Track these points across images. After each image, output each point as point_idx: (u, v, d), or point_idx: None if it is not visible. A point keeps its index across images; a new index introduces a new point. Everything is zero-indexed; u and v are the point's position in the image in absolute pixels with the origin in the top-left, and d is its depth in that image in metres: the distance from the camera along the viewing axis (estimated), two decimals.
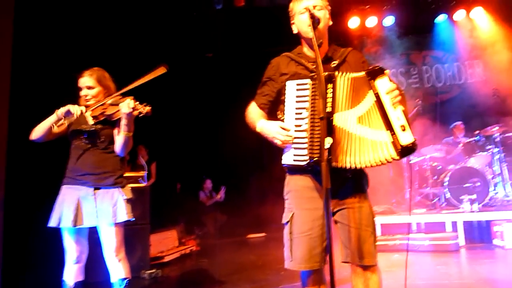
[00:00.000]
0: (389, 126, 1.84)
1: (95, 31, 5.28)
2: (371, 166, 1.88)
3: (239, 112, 2.36)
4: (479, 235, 6.10)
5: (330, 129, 1.84)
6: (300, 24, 2.12)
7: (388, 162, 1.86)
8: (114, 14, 5.70)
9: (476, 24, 8.02)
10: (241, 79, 6.06)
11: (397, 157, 1.83)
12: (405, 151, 1.82)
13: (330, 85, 1.88)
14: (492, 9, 7.74)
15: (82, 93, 2.90)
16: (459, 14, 7.93)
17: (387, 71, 1.89)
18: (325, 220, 1.71)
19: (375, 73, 1.89)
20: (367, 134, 1.88)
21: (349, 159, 1.88)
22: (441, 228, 5.62)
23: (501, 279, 3.85)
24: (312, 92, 1.91)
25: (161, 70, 2.71)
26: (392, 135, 1.83)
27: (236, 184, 7.78)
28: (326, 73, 1.88)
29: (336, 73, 1.92)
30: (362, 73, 1.91)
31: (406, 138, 1.81)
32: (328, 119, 1.82)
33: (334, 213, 2.04)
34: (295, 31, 2.21)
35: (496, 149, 6.36)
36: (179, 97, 7.27)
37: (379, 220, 5.68)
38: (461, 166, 6.27)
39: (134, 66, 3.22)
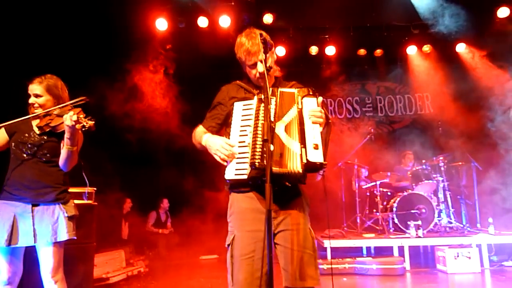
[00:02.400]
0: (302, 139, 1.92)
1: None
2: (285, 172, 1.89)
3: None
4: (424, 259, 6.35)
5: (272, 137, 1.90)
6: (250, 73, 2.23)
7: (294, 172, 1.88)
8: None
9: (426, 60, 8.57)
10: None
11: (300, 170, 1.87)
12: (309, 167, 1.88)
13: (273, 100, 2.04)
14: (440, 48, 8.31)
15: (30, 100, 2.75)
16: (411, 49, 8.45)
17: (319, 98, 2.00)
18: (267, 241, 1.71)
19: (304, 92, 2.04)
20: (286, 141, 1.95)
21: (278, 163, 1.91)
22: (389, 252, 5.79)
23: None
24: (256, 110, 2.00)
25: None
26: (302, 148, 1.90)
27: (191, 203, 7.65)
28: (270, 89, 2.04)
29: (277, 89, 2.07)
30: (294, 90, 2.07)
31: (314, 156, 1.88)
32: (271, 127, 1.89)
33: (274, 235, 2.05)
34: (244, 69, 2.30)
35: (441, 178, 6.71)
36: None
37: (329, 244, 5.77)
38: (408, 193, 6.54)
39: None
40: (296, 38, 8.07)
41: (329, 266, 5.35)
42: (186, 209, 7.52)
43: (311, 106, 1.98)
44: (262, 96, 1.99)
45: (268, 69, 1.98)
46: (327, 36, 8.23)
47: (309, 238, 2.06)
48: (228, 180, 2.02)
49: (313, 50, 8.38)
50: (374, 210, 6.95)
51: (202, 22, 7.36)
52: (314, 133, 1.92)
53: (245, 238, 2.02)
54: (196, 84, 7.72)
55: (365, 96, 9.24)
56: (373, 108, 9.18)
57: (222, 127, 2.26)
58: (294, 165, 1.88)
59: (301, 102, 2.00)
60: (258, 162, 1.87)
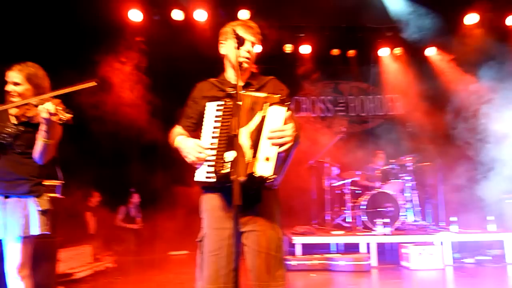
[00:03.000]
0: (255, 148, 1.87)
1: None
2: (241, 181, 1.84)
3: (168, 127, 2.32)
4: (390, 256, 6.52)
5: (236, 144, 1.84)
6: (232, 57, 2.14)
7: (239, 180, 1.81)
8: None
9: (397, 62, 8.77)
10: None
11: (243, 179, 1.79)
12: (254, 178, 1.82)
13: (240, 103, 1.92)
14: (411, 51, 8.52)
15: (8, 88, 2.64)
16: (383, 51, 8.64)
17: (288, 112, 1.91)
18: (233, 240, 1.71)
19: (274, 99, 1.93)
20: (246, 149, 1.88)
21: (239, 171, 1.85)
22: (357, 249, 5.91)
23: None
24: (224, 112, 1.97)
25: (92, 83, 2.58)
26: (252, 157, 1.85)
27: (161, 199, 7.55)
28: (239, 92, 1.91)
29: (244, 92, 1.96)
30: (263, 95, 1.98)
31: (262, 168, 1.82)
32: (234, 135, 1.84)
33: (241, 233, 2.03)
34: (222, 51, 2.23)
35: (409, 178, 6.91)
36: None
37: (299, 240, 5.83)
38: (377, 191, 6.70)
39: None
40: (271, 35, 8.08)
41: (298, 262, 5.41)
42: (156, 204, 7.42)
43: (276, 115, 1.89)
44: (232, 93, 1.95)
45: (239, 64, 1.95)
46: (302, 35, 8.29)
47: (276, 239, 2.04)
48: (198, 182, 1.99)
49: (288, 48, 8.42)
50: (344, 208, 7.07)
51: (177, 15, 7.26)
52: (269, 145, 1.84)
53: (212, 236, 2.03)
54: (168, 78, 7.60)
55: (337, 95, 9.38)
56: (346, 107, 9.33)
57: (199, 126, 2.15)
58: (243, 174, 1.82)
59: (267, 110, 1.90)
60: (220, 170, 1.86)
